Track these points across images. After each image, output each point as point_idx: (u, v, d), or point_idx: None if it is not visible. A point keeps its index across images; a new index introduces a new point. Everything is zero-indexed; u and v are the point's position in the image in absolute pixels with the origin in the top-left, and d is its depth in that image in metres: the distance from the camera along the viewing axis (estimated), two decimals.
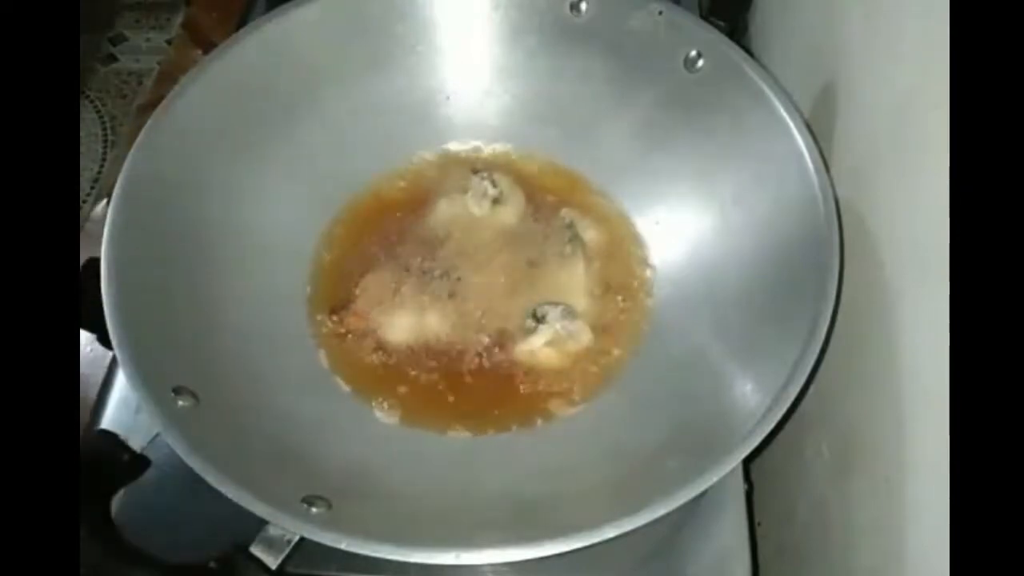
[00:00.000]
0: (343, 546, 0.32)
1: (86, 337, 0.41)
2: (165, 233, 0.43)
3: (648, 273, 0.50)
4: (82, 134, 1.33)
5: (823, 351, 0.37)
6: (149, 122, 0.44)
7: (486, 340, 0.48)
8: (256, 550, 0.34)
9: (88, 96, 1.38)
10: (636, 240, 0.52)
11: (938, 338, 0.30)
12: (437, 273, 0.50)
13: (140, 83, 1.41)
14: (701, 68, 0.48)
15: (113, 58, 1.44)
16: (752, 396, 0.39)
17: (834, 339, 0.40)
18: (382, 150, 0.54)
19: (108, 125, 1.35)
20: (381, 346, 0.48)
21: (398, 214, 0.53)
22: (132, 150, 0.43)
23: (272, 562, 0.34)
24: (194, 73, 0.46)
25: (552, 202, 0.53)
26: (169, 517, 0.42)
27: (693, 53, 0.48)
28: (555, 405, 0.46)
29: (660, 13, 0.48)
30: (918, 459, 0.34)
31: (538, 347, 0.47)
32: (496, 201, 0.52)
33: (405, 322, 0.48)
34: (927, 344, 0.33)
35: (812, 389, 0.42)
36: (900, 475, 0.35)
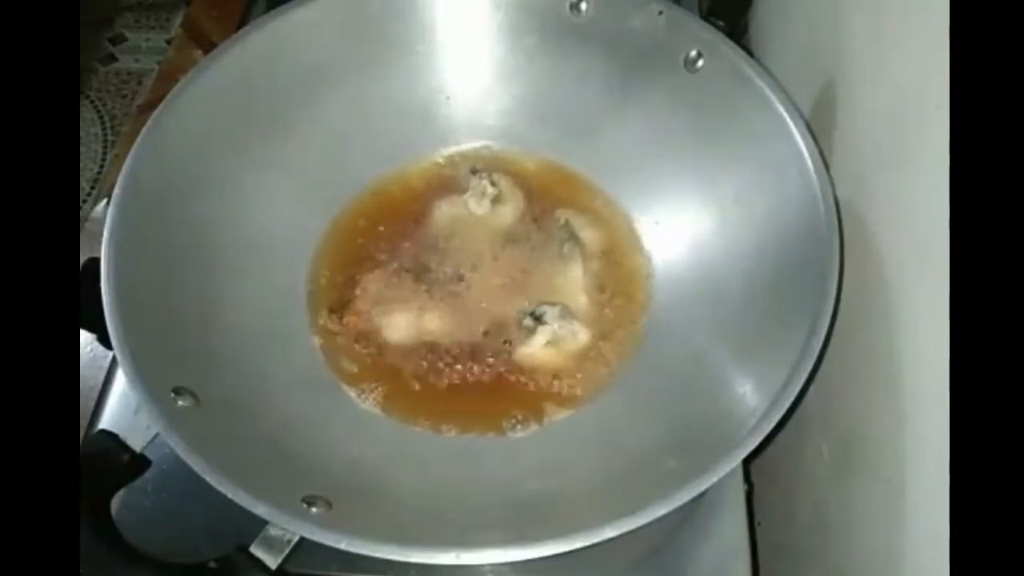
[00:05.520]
0: (343, 546, 0.32)
1: (86, 337, 0.41)
2: (165, 233, 0.43)
3: (647, 273, 0.50)
4: (82, 134, 1.33)
5: (823, 351, 0.37)
6: (149, 122, 0.44)
7: (485, 340, 0.48)
8: (256, 550, 0.34)
9: (88, 96, 1.38)
10: (636, 240, 0.52)
11: (938, 338, 0.30)
12: (436, 273, 0.50)
13: (140, 83, 1.41)
14: (701, 68, 0.48)
15: (113, 58, 1.44)
16: (752, 396, 0.39)
17: (834, 339, 0.40)
18: (382, 150, 0.54)
19: (108, 125, 1.35)
20: (381, 346, 0.48)
21: (398, 214, 0.53)
22: (132, 150, 0.43)
23: (272, 562, 0.34)
24: (194, 73, 0.46)
25: (551, 202, 0.53)
26: (169, 517, 0.42)
27: (693, 53, 0.48)
28: (554, 405, 0.46)
29: (660, 13, 0.48)
30: (918, 459, 0.34)
31: (537, 348, 0.47)
32: (495, 201, 0.52)
33: (404, 322, 0.48)
34: (927, 344, 0.33)
35: (812, 389, 0.42)
36: (900, 475, 0.35)
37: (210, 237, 0.46)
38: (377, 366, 0.47)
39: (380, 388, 0.46)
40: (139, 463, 0.38)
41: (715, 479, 0.34)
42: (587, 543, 0.32)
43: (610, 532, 0.32)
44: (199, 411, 0.37)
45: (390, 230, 0.52)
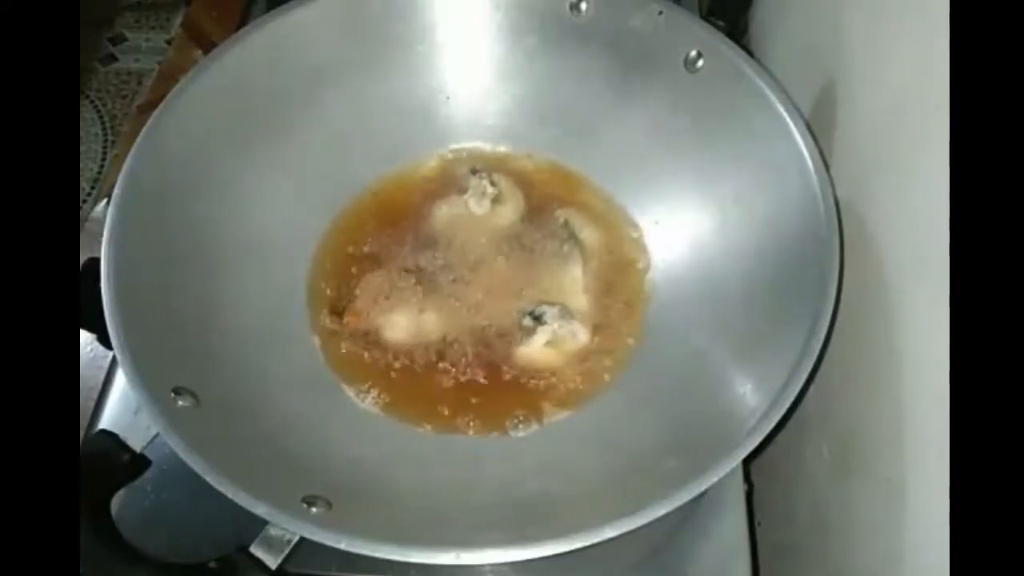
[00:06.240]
0: (343, 546, 0.32)
1: (86, 337, 0.40)
2: (165, 233, 0.43)
3: (647, 273, 0.50)
4: (82, 134, 1.33)
5: (823, 351, 0.37)
6: (149, 122, 0.44)
7: (485, 340, 0.48)
8: (256, 550, 0.34)
9: (88, 96, 1.38)
10: (636, 240, 0.52)
11: (938, 338, 0.30)
12: (436, 273, 0.50)
13: (140, 83, 1.41)
14: (701, 68, 0.48)
15: (113, 58, 1.44)
16: (752, 396, 0.39)
17: (834, 339, 0.40)
18: (382, 150, 0.54)
19: (108, 125, 1.35)
20: (380, 346, 0.48)
21: (398, 214, 0.53)
22: (132, 150, 0.43)
23: (272, 562, 0.34)
24: (194, 73, 0.46)
25: (551, 202, 0.53)
26: (169, 517, 0.42)
27: (693, 53, 0.48)
28: (554, 405, 0.46)
29: (660, 13, 0.48)
30: (918, 459, 0.34)
31: (537, 348, 0.47)
32: (495, 201, 0.52)
33: (404, 322, 0.48)
34: (927, 344, 0.33)
35: (812, 389, 0.42)
36: (900, 475, 0.35)
37: (210, 237, 0.46)
38: (377, 366, 0.47)
39: (380, 388, 0.46)
40: (139, 463, 0.38)
41: (715, 479, 0.34)
42: (587, 543, 0.32)
43: (610, 532, 0.32)
44: (199, 411, 0.37)
45: (390, 230, 0.52)
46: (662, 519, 0.33)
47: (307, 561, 0.37)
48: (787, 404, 0.35)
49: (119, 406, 0.46)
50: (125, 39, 1.47)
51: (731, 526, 0.42)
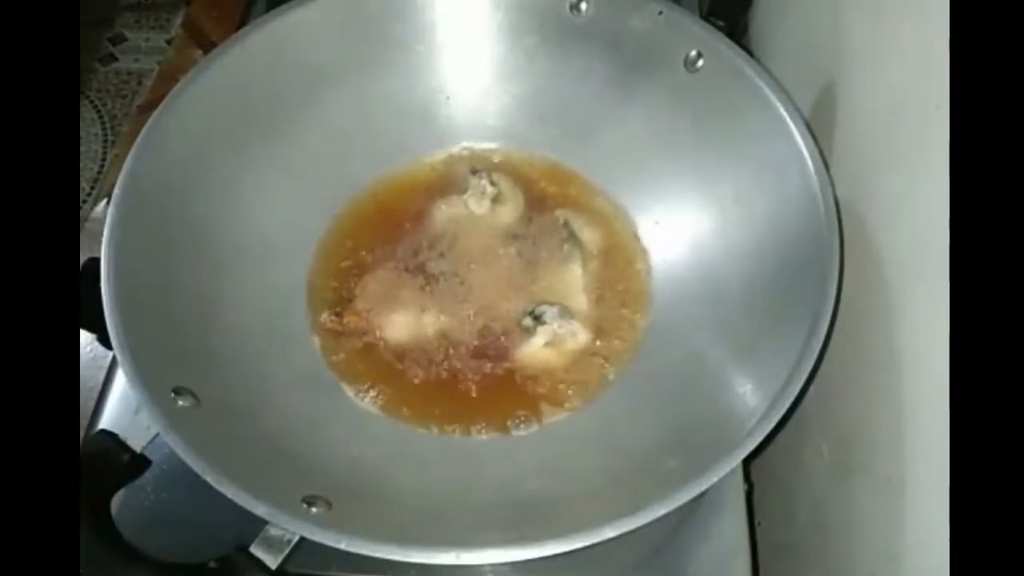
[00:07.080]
0: (343, 546, 0.32)
1: (86, 337, 0.41)
2: (165, 233, 0.43)
3: (647, 273, 0.50)
4: (82, 134, 1.33)
5: (823, 351, 0.37)
6: (149, 122, 0.44)
7: (485, 340, 0.48)
8: (256, 550, 0.34)
9: (88, 96, 1.38)
10: (635, 240, 0.52)
11: (938, 338, 0.30)
12: (436, 273, 0.50)
13: (140, 83, 1.41)
14: (701, 68, 0.48)
15: (113, 58, 1.44)
16: (752, 396, 0.39)
17: (834, 339, 0.40)
18: (382, 150, 0.54)
19: (108, 125, 1.35)
20: (380, 346, 0.48)
21: (398, 214, 0.53)
22: (132, 150, 0.43)
23: (272, 562, 0.34)
24: (194, 73, 0.46)
25: (551, 202, 0.53)
26: (169, 517, 0.42)
27: (693, 53, 0.48)
28: (554, 405, 0.46)
29: (660, 13, 0.48)
30: (918, 459, 0.34)
31: (537, 348, 0.47)
32: (495, 201, 0.52)
33: (404, 321, 0.48)
34: (927, 344, 0.33)
35: (812, 389, 0.42)
36: (900, 475, 0.35)
37: (210, 237, 0.46)
38: (377, 366, 0.47)
39: (380, 388, 0.46)
40: (139, 463, 0.38)
41: (715, 479, 0.34)
42: (587, 543, 0.32)
43: (610, 532, 0.32)
44: (199, 411, 0.37)
45: (390, 230, 0.52)
46: (662, 519, 0.33)
47: (307, 561, 0.37)
48: (787, 404, 0.35)
49: (119, 406, 0.46)
50: (125, 39, 1.47)
51: (731, 526, 0.42)
